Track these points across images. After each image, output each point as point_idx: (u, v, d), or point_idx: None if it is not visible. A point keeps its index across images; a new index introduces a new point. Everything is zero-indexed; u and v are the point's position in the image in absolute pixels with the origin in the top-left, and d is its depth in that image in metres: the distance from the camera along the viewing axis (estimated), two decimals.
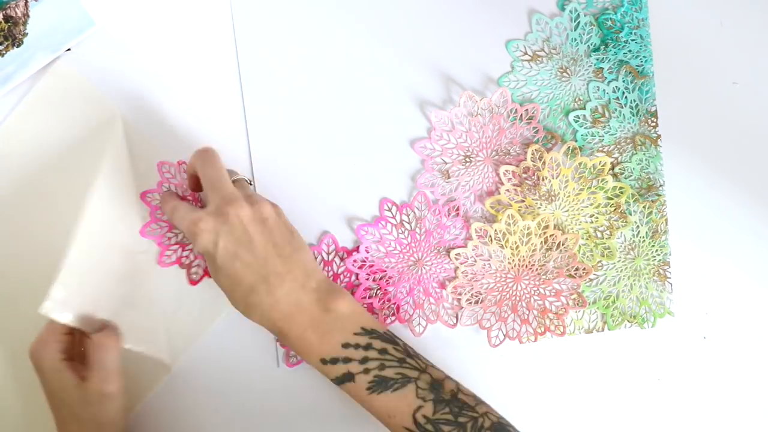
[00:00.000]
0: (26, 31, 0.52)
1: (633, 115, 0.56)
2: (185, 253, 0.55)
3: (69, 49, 0.54)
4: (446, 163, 0.56)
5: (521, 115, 0.56)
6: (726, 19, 0.57)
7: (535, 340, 0.56)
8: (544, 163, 0.55)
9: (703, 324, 0.57)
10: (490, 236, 0.56)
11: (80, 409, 0.50)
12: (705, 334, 0.57)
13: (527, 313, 0.56)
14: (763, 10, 0.57)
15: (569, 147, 0.56)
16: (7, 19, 0.50)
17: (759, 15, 0.57)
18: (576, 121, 0.56)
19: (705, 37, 0.57)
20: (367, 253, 0.56)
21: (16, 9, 0.51)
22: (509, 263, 0.56)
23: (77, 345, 0.50)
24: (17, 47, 0.52)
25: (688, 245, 0.57)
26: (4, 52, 0.51)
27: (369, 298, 0.56)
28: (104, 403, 0.48)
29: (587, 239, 0.56)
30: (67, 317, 0.48)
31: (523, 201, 0.56)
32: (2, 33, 0.50)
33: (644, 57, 0.56)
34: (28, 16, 0.51)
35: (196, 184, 0.52)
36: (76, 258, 0.48)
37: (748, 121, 0.57)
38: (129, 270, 0.53)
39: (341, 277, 0.56)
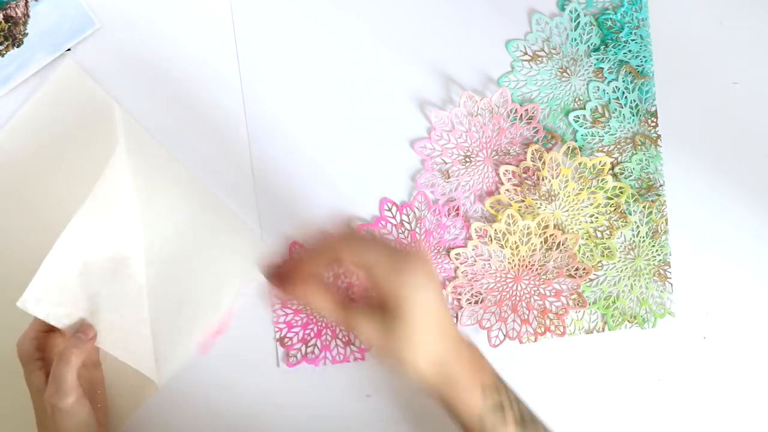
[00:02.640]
0: (26, 31, 0.52)
1: (633, 115, 0.56)
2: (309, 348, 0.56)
3: (69, 49, 0.54)
4: (446, 163, 0.56)
5: (521, 115, 0.56)
6: (726, 19, 0.56)
7: (535, 340, 0.56)
8: (543, 163, 0.55)
9: (703, 324, 0.57)
10: (490, 236, 0.56)
11: (41, 414, 0.50)
12: (705, 334, 0.57)
13: (527, 313, 0.56)
14: (763, 10, 0.56)
15: (569, 147, 0.56)
16: (7, 19, 0.50)
17: (759, 15, 0.57)
18: (576, 121, 0.56)
19: (705, 37, 0.57)
20: None
21: (16, 9, 0.51)
22: (509, 263, 0.56)
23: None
24: (17, 47, 0.52)
25: (688, 245, 0.57)
26: (4, 52, 0.51)
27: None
28: (58, 416, 0.48)
29: (587, 239, 0.56)
30: (41, 312, 0.48)
31: (523, 201, 0.56)
32: (2, 33, 0.51)
33: (644, 57, 0.56)
34: (28, 16, 0.51)
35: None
36: (58, 254, 0.49)
37: (748, 121, 0.57)
38: (115, 271, 0.53)
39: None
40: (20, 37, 0.52)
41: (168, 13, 0.55)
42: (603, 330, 0.57)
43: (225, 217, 0.56)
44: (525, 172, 0.56)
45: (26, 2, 0.51)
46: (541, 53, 0.56)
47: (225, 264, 0.55)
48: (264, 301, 0.56)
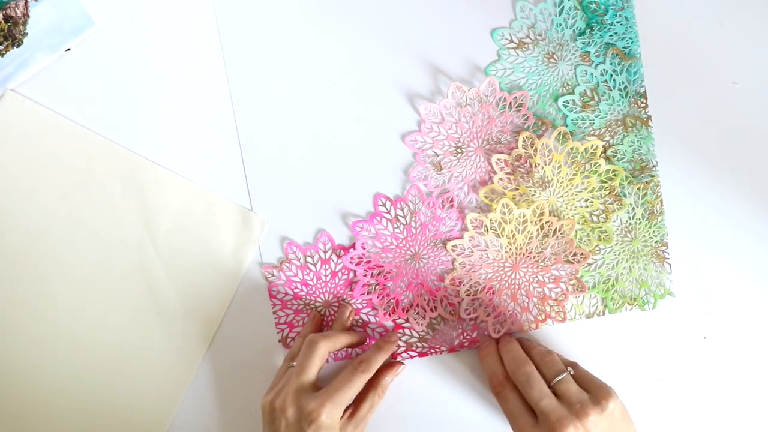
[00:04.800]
0: (26, 31, 0.52)
1: (622, 97, 0.56)
2: None
3: (69, 49, 0.54)
4: (438, 155, 0.56)
5: (510, 103, 0.56)
6: (724, 18, 0.56)
7: (536, 327, 0.56)
8: (535, 149, 0.55)
9: (703, 324, 0.57)
10: (486, 226, 0.56)
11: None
12: (705, 334, 0.57)
13: (527, 300, 0.56)
14: (762, 5, 0.56)
15: (560, 132, 0.56)
16: (7, 19, 0.51)
17: (758, 12, 0.56)
18: (565, 106, 0.56)
19: (690, 13, 0.56)
20: (364, 249, 0.56)
21: (16, 9, 0.51)
22: (506, 252, 0.56)
23: None
24: (17, 47, 0.52)
25: (685, 225, 0.56)
26: (4, 52, 0.52)
27: (368, 294, 0.56)
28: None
29: (583, 224, 0.56)
30: None
31: (517, 189, 0.55)
32: (2, 33, 0.51)
33: (630, 38, 0.55)
34: (28, 16, 0.51)
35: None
36: None
37: (738, 96, 0.56)
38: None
39: (339, 274, 0.56)
40: (20, 37, 0.52)
41: (167, 13, 0.55)
42: (603, 314, 0.56)
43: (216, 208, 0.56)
44: (517, 160, 0.55)
45: (26, 2, 0.51)
46: (527, 40, 0.56)
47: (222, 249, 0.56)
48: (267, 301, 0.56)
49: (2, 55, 0.52)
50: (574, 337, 0.56)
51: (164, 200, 0.55)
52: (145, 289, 0.55)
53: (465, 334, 0.56)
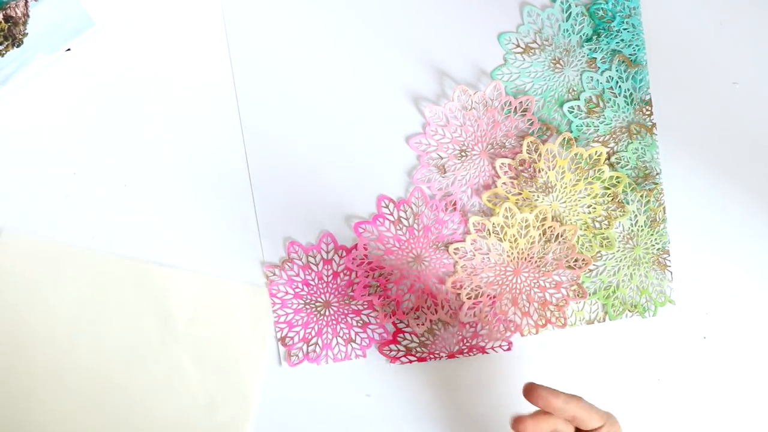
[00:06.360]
0: (26, 31, 0.52)
1: (627, 104, 0.56)
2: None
3: (69, 49, 0.54)
4: (442, 158, 0.56)
5: (515, 107, 0.56)
6: (716, 6, 0.56)
7: (537, 332, 0.56)
8: (539, 154, 0.55)
9: (703, 324, 0.57)
10: (489, 230, 0.56)
11: None
12: (705, 334, 0.57)
13: (528, 305, 0.56)
14: (761, 4, 0.56)
15: (564, 138, 0.56)
16: (7, 19, 0.50)
17: (758, 10, 0.56)
18: (570, 112, 0.56)
19: (696, 23, 0.56)
20: (366, 250, 0.56)
21: (16, 9, 0.51)
22: (508, 256, 0.56)
23: None
24: (17, 47, 0.52)
25: (687, 233, 0.57)
26: (4, 52, 0.51)
27: (369, 295, 0.56)
28: None
29: (585, 230, 0.56)
30: None
31: (520, 194, 0.55)
32: (2, 33, 0.50)
33: (637, 46, 0.56)
34: (28, 16, 0.51)
35: None
36: None
37: (743, 105, 0.57)
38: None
39: (341, 275, 0.56)
40: (20, 37, 0.51)
41: (168, 13, 0.55)
42: (604, 320, 0.57)
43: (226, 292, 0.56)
44: (521, 165, 0.56)
45: (26, 2, 0.51)
46: (534, 45, 0.56)
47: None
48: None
49: (2, 55, 0.51)
50: (573, 334, 0.57)
51: (177, 299, 0.55)
52: (175, 390, 0.55)
53: (465, 340, 0.56)
